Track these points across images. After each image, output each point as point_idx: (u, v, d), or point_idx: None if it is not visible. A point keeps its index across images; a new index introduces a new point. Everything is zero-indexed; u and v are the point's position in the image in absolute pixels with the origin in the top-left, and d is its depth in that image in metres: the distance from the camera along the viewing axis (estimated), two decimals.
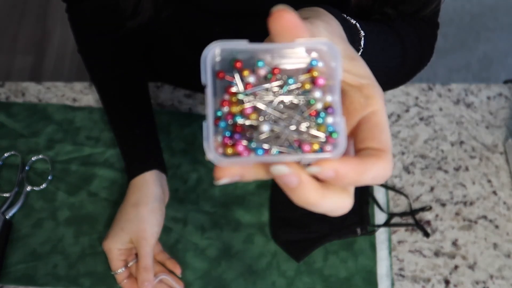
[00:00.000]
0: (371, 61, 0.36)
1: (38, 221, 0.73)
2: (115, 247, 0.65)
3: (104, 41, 0.73)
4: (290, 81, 0.28)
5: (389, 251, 0.70)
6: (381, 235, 0.71)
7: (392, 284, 0.68)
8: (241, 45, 0.28)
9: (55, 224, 0.72)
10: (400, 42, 0.60)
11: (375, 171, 0.28)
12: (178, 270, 0.69)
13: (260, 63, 0.28)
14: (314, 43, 0.28)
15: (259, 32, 0.75)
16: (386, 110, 0.36)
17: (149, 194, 0.66)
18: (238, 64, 0.28)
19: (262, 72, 0.28)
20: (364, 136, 0.30)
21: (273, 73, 0.28)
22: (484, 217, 0.73)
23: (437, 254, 0.70)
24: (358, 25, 0.46)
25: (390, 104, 0.83)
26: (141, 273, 0.63)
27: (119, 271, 0.65)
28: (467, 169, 0.77)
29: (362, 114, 0.30)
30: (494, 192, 0.75)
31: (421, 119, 0.82)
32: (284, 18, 0.28)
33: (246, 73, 0.27)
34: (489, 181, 0.76)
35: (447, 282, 0.68)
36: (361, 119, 0.30)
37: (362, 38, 0.47)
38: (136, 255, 0.66)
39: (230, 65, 0.28)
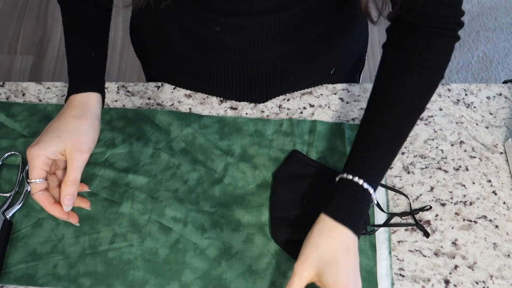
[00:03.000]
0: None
1: (38, 221, 0.73)
2: (45, 154, 0.62)
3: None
4: None
5: (389, 251, 0.70)
6: (381, 235, 0.71)
7: (392, 284, 0.68)
8: None
9: (55, 224, 0.72)
10: (417, 105, 0.64)
11: None
12: (85, 188, 0.72)
13: None
14: None
15: (258, 30, 0.75)
16: None
17: (92, 111, 0.67)
18: None
19: None
20: None
21: None
22: (484, 217, 0.73)
23: (437, 254, 0.70)
24: (371, 192, 0.59)
25: None
26: (68, 186, 0.62)
27: (37, 180, 0.63)
28: (467, 169, 0.77)
29: None
30: (494, 192, 0.75)
31: (421, 119, 0.82)
32: None
33: None
34: (489, 181, 0.76)
35: (447, 282, 0.68)
36: None
37: (372, 195, 0.60)
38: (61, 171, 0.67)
39: None
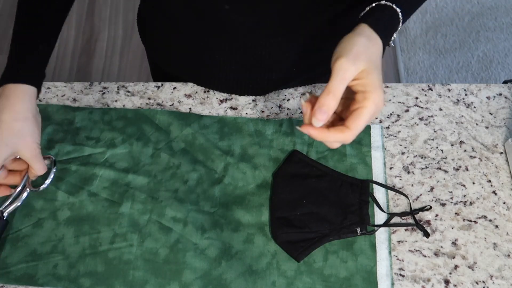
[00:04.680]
0: (408, 17, 0.64)
1: (38, 221, 0.73)
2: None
3: None
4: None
5: (389, 251, 0.70)
6: (381, 235, 0.71)
7: (392, 284, 0.68)
8: None
9: (55, 224, 0.73)
10: None
11: (333, 137, 0.54)
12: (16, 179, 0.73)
13: None
14: None
15: (267, 9, 0.75)
16: (372, 109, 0.53)
17: (30, 107, 0.68)
18: None
19: None
20: (347, 116, 0.54)
21: None
22: (484, 217, 0.73)
23: (437, 254, 0.70)
24: (399, 11, 0.61)
25: (390, 104, 0.83)
26: (38, 170, 0.69)
27: None
28: (467, 169, 0.77)
29: (356, 106, 0.54)
30: (494, 192, 0.75)
31: (421, 119, 0.82)
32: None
33: None
34: (489, 181, 0.76)
35: (447, 282, 0.68)
36: (354, 107, 0.54)
37: (400, 22, 0.62)
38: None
39: None
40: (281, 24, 0.73)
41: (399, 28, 0.64)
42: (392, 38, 0.63)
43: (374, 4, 0.62)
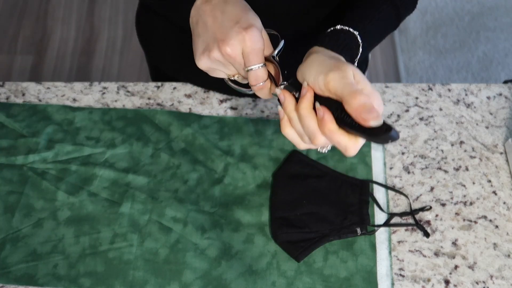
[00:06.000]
0: (370, 47, 0.62)
1: (38, 221, 0.73)
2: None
3: None
4: None
5: (389, 251, 0.70)
6: (381, 235, 0.71)
7: (392, 284, 0.68)
8: None
9: (55, 224, 0.73)
10: (393, 9, 0.65)
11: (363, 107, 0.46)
12: None
13: None
14: None
15: (265, 14, 0.75)
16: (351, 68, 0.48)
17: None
18: None
19: None
20: (346, 96, 0.47)
21: None
22: (484, 217, 0.73)
23: (437, 254, 0.70)
24: (356, 34, 0.59)
25: (390, 104, 0.83)
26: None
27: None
28: (467, 169, 0.77)
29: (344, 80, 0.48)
30: (494, 192, 0.75)
31: (421, 119, 0.82)
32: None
33: None
34: (489, 181, 0.76)
35: (447, 282, 0.68)
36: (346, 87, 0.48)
37: (360, 45, 0.59)
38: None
39: None
40: (278, 27, 0.73)
41: (359, 53, 0.60)
42: (355, 60, 0.60)
43: (329, 30, 0.60)
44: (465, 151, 0.79)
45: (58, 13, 2.13)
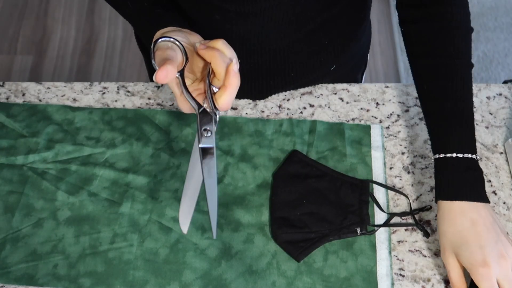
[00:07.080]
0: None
1: (38, 221, 0.73)
2: None
3: None
4: None
5: (389, 251, 0.70)
6: (381, 235, 0.71)
7: (392, 284, 0.68)
8: None
9: (55, 224, 0.73)
10: (469, 67, 0.72)
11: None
12: None
13: None
14: None
15: (258, 18, 0.75)
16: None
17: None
18: None
19: None
20: None
21: None
22: None
23: (437, 254, 0.70)
24: (474, 156, 0.63)
25: (390, 104, 0.83)
26: None
27: None
28: None
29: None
30: (494, 192, 0.75)
31: (421, 119, 0.82)
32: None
33: None
34: (489, 181, 0.76)
35: (447, 282, 0.68)
36: None
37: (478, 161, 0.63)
38: None
39: None
40: (273, 30, 0.72)
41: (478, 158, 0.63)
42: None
43: (433, 159, 0.62)
44: None
45: (58, 13, 2.13)
